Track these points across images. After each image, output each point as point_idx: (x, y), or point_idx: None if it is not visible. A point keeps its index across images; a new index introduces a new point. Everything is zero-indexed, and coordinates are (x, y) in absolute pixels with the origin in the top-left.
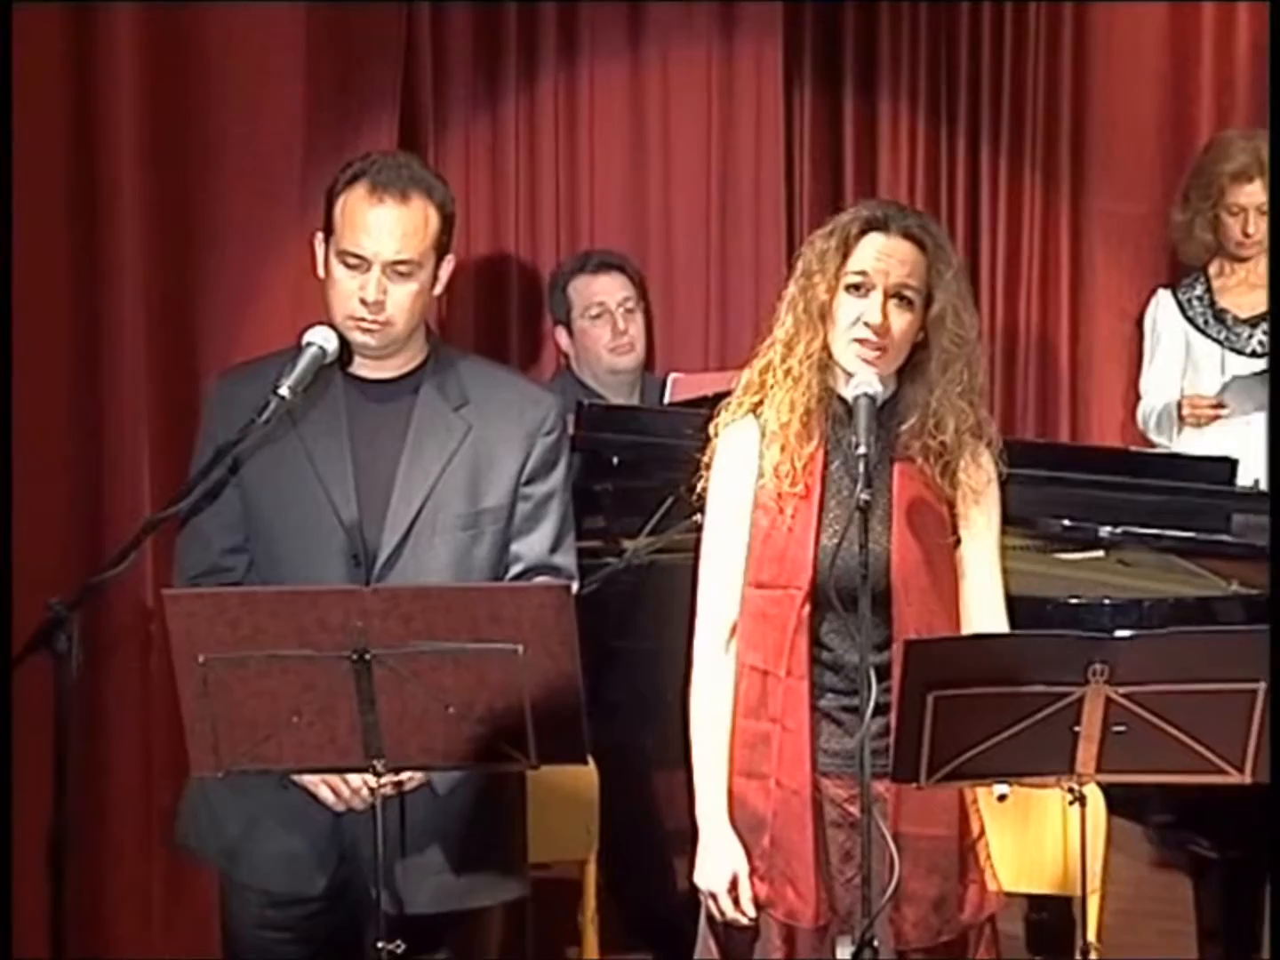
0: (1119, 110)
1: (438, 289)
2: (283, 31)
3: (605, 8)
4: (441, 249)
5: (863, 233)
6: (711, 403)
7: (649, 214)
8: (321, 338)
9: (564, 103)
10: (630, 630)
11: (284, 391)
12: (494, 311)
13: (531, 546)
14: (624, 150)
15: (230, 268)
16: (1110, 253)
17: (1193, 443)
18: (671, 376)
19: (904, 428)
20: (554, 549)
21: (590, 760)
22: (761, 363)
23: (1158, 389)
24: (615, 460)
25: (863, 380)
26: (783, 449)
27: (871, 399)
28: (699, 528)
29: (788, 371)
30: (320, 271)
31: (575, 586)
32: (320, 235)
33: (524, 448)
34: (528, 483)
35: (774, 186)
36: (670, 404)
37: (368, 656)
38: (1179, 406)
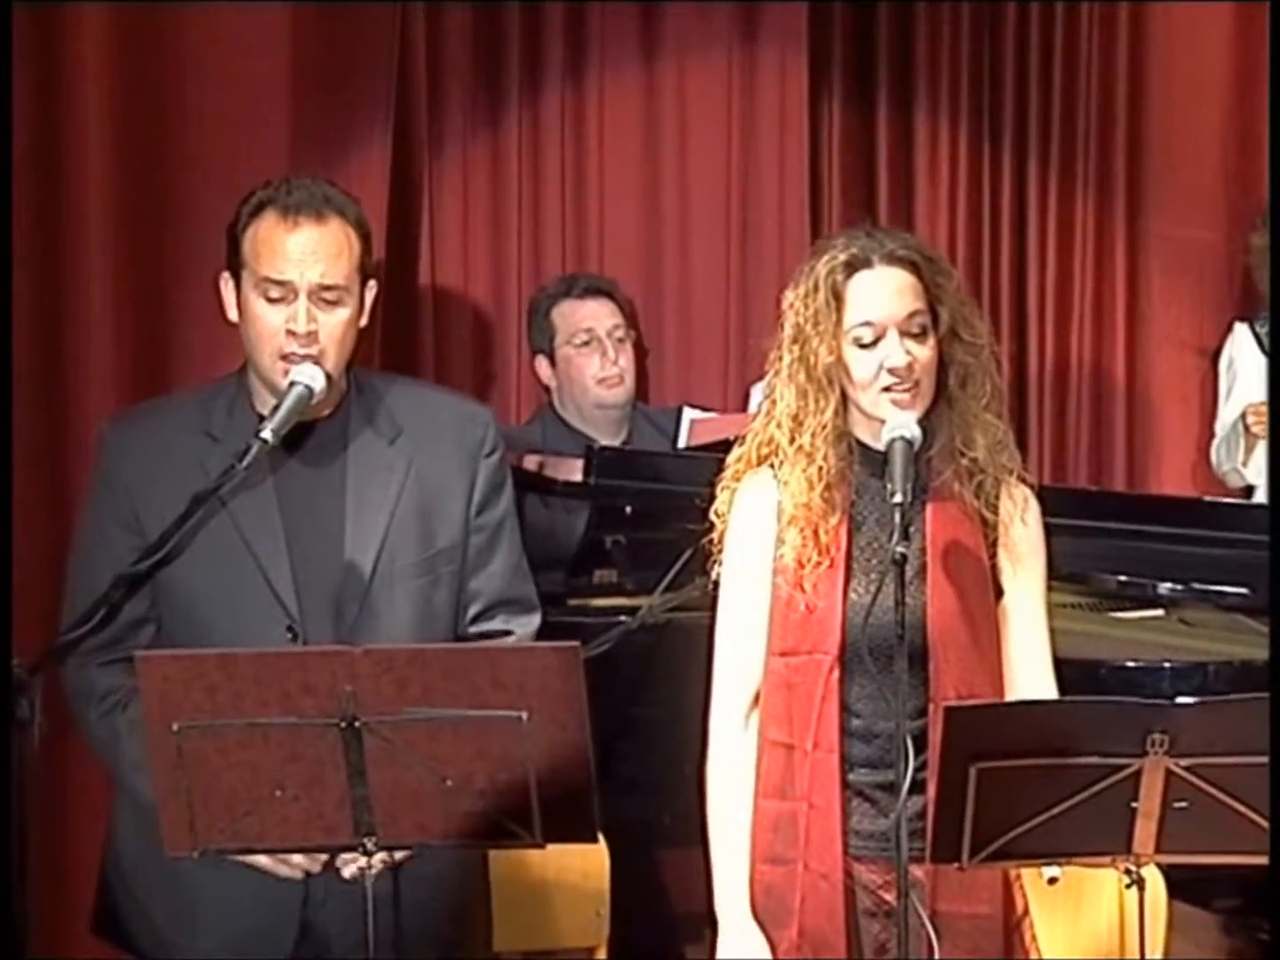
0: (1180, 124)
1: (363, 319)
2: (267, 41)
3: (616, 11)
4: (365, 273)
5: (848, 277)
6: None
7: (664, 238)
8: (308, 376)
9: (571, 116)
10: (645, 695)
11: (267, 435)
12: (495, 348)
13: (489, 581)
14: (636, 168)
15: (209, 299)
16: (1170, 281)
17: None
18: (689, 418)
19: (932, 453)
20: (513, 579)
21: (601, 838)
22: (762, 437)
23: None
24: (628, 509)
25: (898, 424)
26: (803, 530)
27: (909, 442)
28: (719, 585)
29: (799, 449)
30: (232, 315)
31: (539, 618)
32: (226, 276)
33: (468, 473)
34: (479, 513)
35: (799, 209)
36: (688, 448)
37: (357, 724)
38: (1243, 418)
